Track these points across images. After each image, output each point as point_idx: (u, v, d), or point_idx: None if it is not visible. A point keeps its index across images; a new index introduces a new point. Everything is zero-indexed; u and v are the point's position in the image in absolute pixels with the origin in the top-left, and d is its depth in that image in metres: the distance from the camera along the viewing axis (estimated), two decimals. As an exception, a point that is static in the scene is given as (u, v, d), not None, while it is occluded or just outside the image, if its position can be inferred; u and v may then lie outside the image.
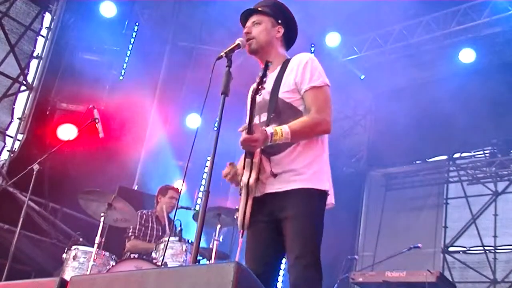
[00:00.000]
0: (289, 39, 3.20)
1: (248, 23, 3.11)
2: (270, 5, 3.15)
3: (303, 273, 2.69)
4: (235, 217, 3.03)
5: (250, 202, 2.82)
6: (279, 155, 2.87)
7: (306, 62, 2.98)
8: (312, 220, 2.79)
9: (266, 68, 2.71)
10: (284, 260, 2.95)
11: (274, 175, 2.83)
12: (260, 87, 2.71)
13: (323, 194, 2.88)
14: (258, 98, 2.99)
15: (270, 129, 2.76)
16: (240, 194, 2.91)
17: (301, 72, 2.94)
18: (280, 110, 2.90)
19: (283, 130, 2.77)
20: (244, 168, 2.85)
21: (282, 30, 3.12)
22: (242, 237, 3.01)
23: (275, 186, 2.85)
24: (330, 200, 2.92)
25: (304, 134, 2.87)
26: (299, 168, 2.85)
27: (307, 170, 2.85)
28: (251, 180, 2.80)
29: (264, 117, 2.95)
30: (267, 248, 2.88)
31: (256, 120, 2.99)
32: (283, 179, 2.84)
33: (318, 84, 2.93)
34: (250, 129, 2.70)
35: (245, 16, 3.15)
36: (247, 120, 2.90)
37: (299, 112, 2.91)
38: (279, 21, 3.12)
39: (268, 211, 2.86)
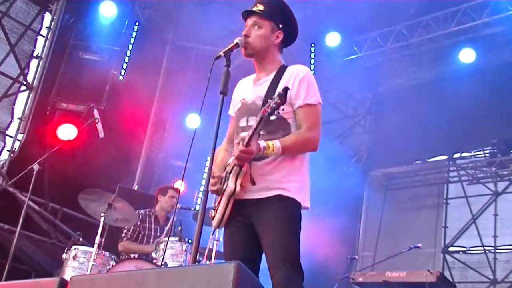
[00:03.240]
0: (287, 42, 3.17)
1: (249, 22, 3.07)
2: (273, 5, 3.09)
3: (287, 275, 2.73)
4: (210, 215, 3.08)
5: (231, 205, 2.89)
6: (260, 162, 2.90)
7: (303, 77, 2.97)
8: (292, 225, 2.85)
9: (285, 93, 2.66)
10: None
11: (253, 183, 2.87)
12: (276, 112, 2.66)
13: (298, 203, 2.92)
14: (248, 101, 3.02)
15: (263, 143, 2.79)
16: (217, 194, 2.98)
17: (297, 86, 2.94)
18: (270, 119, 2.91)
19: (275, 145, 2.80)
20: (230, 173, 2.88)
21: (281, 36, 3.09)
22: (213, 234, 3.08)
23: (255, 193, 2.89)
24: (305, 204, 2.96)
25: (294, 150, 2.92)
26: (280, 177, 2.90)
27: (288, 179, 2.90)
28: (238, 188, 2.84)
29: (251, 121, 2.96)
30: (247, 247, 2.92)
31: (243, 123, 3.02)
32: (263, 187, 2.88)
33: (313, 102, 2.95)
34: (249, 141, 2.73)
35: (248, 12, 3.11)
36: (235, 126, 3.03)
37: (288, 125, 2.94)
38: (280, 26, 3.08)
39: (247, 214, 2.91)
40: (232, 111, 3.20)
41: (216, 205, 2.99)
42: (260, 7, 3.07)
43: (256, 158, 2.87)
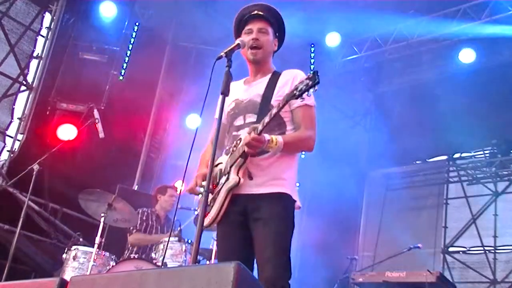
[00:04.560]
0: (276, 50, 3.26)
1: (253, 27, 3.11)
2: (273, 14, 3.17)
3: (275, 272, 2.76)
4: (196, 212, 3.10)
5: (228, 200, 2.90)
6: (258, 157, 2.94)
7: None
8: (285, 223, 2.89)
9: None
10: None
11: (251, 178, 2.90)
12: (306, 94, 2.70)
13: (293, 201, 2.98)
14: (243, 100, 3.07)
15: (267, 136, 2.83)
16: (210, 192, 2.94)
17: None
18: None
19: (278, 140, 2.85)
20: (231, 166, 2.91)
21: (277, 44, 3.21)
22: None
23: (252, 188, 2.92)
24: (297, 203, 3.02)
25: (293, 148, 2.99)
26: (278, 172, 2.94)
27: (283, 176, 2.95)
28: (242, 180, 2.86)
29: (249, 118, 3.01)
30: (241, 246, 2.94)
31: (240, 121, 3.06)
32: (260, 182, 2.92)
33: (310, 103, 3.03)
34: (262, 131, 2.78)
35: (253, 16, 3.13)
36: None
37: (284, 124, 3.02)
38: (277, 34, 3.19)
39: (242, 211, 2.93)
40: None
41: (210, 202, 2.98)
42: (262, 12, 3.14)
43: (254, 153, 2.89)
